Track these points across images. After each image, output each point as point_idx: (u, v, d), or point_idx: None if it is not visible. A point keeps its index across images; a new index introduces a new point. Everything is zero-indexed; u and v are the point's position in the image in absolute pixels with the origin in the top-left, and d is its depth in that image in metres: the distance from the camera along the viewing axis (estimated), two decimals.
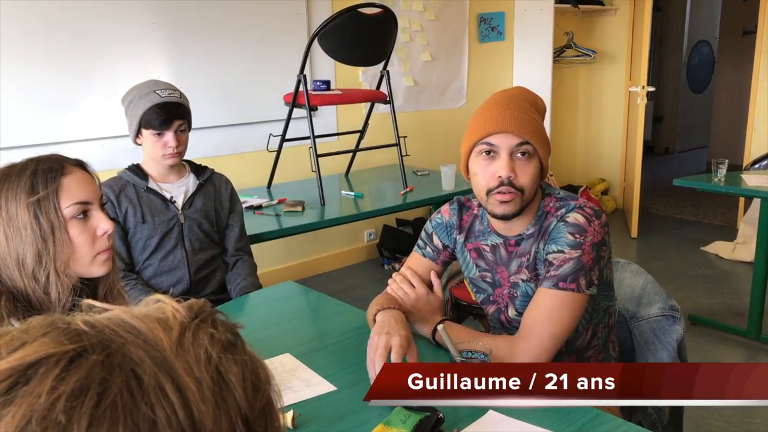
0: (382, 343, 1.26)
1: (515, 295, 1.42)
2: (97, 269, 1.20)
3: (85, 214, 1.17)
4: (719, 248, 4.40)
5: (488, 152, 1.32)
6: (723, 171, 3.14)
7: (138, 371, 0.39)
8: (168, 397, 0.39)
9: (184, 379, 0.40)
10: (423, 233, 1.57)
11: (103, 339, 0.40)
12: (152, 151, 2.05)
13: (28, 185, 1.12)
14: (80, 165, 1.20)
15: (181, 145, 2.07)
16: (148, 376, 0.39)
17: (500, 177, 1.30)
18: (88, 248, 1.17)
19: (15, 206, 1.11)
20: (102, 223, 1.19)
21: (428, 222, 1.57)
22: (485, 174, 1.32)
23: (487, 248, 1.45)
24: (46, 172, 1.13)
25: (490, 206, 1.34)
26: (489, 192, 1.32)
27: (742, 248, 4.30)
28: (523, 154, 1.30)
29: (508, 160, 1.30)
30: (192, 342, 0.42)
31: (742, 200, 4.74)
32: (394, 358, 1.24)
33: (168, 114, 2.01)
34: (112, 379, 0.38)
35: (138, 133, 2.05)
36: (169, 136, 2.03)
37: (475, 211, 1.50)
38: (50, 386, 0.36)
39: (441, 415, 1.12)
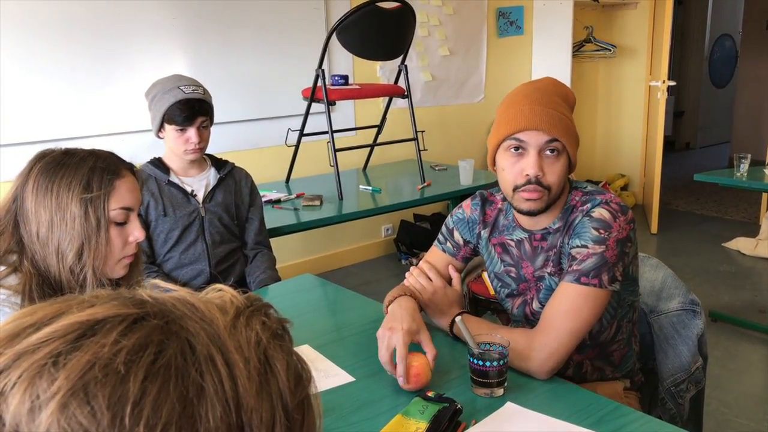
0: (384, 343, 1.26)
1: (541, 288, 1.41)
2: (117, 272, 1.24)
3: (125, 218, 1.20)
4: (741, 244, 4.35)
5: (516, 148, 1.30)
6: (745, 166, 3.10)
7: (192, 341, 0.42)
8: (217, 368, 0.41)
9: (234, 356, 0.43)
10: (444, 228, 1.56)
11: (164, 309, 0.43)
12: (174, 146, 2.08)
13: (85, 180, 1.15)
14: (131, 169, 1.24)
15: (203, 141, 2.09)
16: (202, 346, 0.42)
17: (528, 175, 1.29)
18: (119, 252, 1.21)
19: (67, 197, 1.14)
20: (136, 231, 1.22)
21: (449, 217, 1.56)
22: (513, 171, 1.31)
23: (513, 243, 1.44)
24: (103, 171, 1.17)
25: (516, 202, 1.33)
26: (516, 189, 1.31)
27: (764, 244, 4.24)
28: (552, 151, 1.29)
29: (536, 158, 1.28)
30: (245, 325, 0.45)
31: (764, 196, 4.67)
32: (398, 356, 1.24)
33: (191, 110, 2.03)
34: (168, 343, 0.41)
35: (161, 128, 2.07)
36: (191, 132, 2.05)
37: (499, 206, 1.49)
38: (114, 339, 0.40)
39: (459, 405, 1.13)
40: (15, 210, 1.16)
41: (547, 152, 1.29)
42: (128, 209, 1.20)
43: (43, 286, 1.14)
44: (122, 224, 1.21)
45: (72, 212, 1.13)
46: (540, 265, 1.40)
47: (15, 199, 1.17)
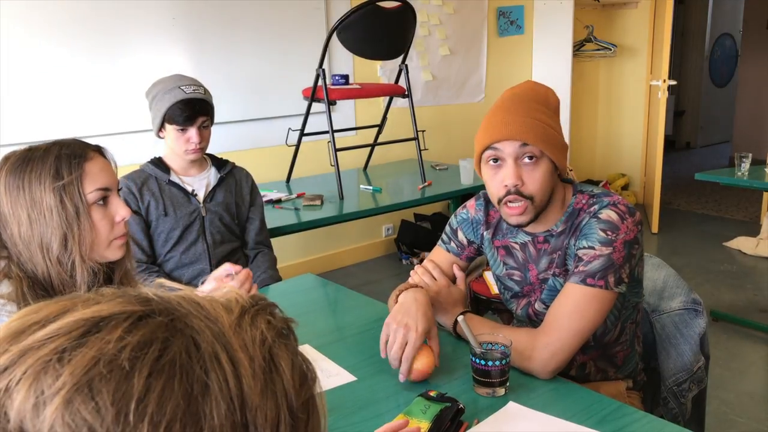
0: (399, 341, 1.25)
1: (544, 289, 1.41)
2: (112, 254, 1.22)
3: (104, 200, 1.19)
4: (742, 244, 4.34)
5: (495, 159, 1.30)
6: (746, 165, 3.10)
7: (197, 338, 0.42)
8: (222, 366, 0.41)
9: (239, 354, 0.42)
10: (447, 228, 1.56)
11: (169, 307, 0.43)
12: (175, 146, 2.08)
13: (53, 170, 1.13)
14: (99, 151, 1.22)
15: (204, 140, 2.09)
16: (206, 344, 0.42)
17: (507, 186, 1.29)
18: (107, 234, 1.20)
19: (40, 190, 1.12)
20: (120, 210, 1.21)
21: (453, 217, 1.56)
22: (494, 182, 1.31)
23: (517, 246, 1.44)
24: (69, 157, 1.15)
25: (503, 215, 1.34)
26: (500, 201, 1.32)
27: (765, 244, 4.23)
28: (530, 158, 1.28)
29: (513, 167, 1.27)
30: (250, 324, 0.45)
31: (765, 195, 4.67)
32: (405, 355, 1.24)
33: (192, 110, 2.03)
34: (173, 340, 0.41)
35: (161, 128, 2.07)
36: (192, 132, 2.05)
37: None
38: (118, 336, 0.39)
39: (461, 405, 1.12)
40: None
41: (525, 159, 1.28)
42: (105, 189, 1.18)
43: (35, 288, 1.13)
44: (104, 207, 1.19)
45: (48, 204, 1.12)
46: (544, 268, 1.40)
47: None
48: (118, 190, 1.24)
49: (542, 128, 1.28)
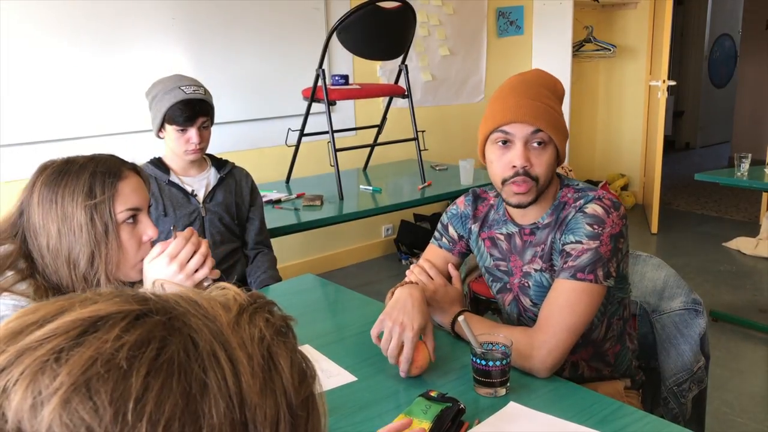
0: (395, 337, 1.26)
1: (527, 285, 1.41)
2: (137, 275, 1.22)
3: (134, 218, 1.19)
4: (741, 244, 4.34)
5: (504, 141, 1.32)
6: (746, 165, 3.10)
7: (195, 337, 0.41)
8: (221, 365, 0.41)
9: (237, 353, 0.42)
10: (439, 224, 1.58)
11: (167, 306, 0.43)
12: (175, 146, 2.07)
13: (87, 187, 1.14)
14: (135, 170, 1.22)
15: (204, 141, 2.09)
16: (204, 342, 0.41)
17: (515, 167, 1.30)
18: (134, 253, 1.20)
19: (72, 206, 1.13)
20: (149, 230, 1.21)
21: (444, 213, 1.58)
22: (500, 163, 1.33)
23: (502, 237, 1.46)
24: (104, 175, 1.15)
25: (506, 195, 1.35)
26: (504, 181, 1.33)
27: (764, 244, 4.24)
28: (539, 143, 1.30)
29: (522, 149, 1.30)
30: (248, 322, 0.45)
31: (764, 195, 4.67)
32: (404, 356, 1.26)
33: (192, 111, 2.03)
34: (171, 339, 0.40)
35: (161, 128, 2.07)
36: (192, 133, 2.05)
37: (491, 202, 1.51)
38: (116, 335, 0.39)
39: (462, 405, 1.12)
40: (21, 224, 1.15)
41: (534, 144, 1.30)
42: (135, 209, 1.19)
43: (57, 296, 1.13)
44: (133, 225, 1.19)
45: (78, 221, 1.12)
46: (528, 260, 1.41)
47: (21, 214, 1.16)
48: (149, 207, 1.24)
49: (552, 114, 1.31)
